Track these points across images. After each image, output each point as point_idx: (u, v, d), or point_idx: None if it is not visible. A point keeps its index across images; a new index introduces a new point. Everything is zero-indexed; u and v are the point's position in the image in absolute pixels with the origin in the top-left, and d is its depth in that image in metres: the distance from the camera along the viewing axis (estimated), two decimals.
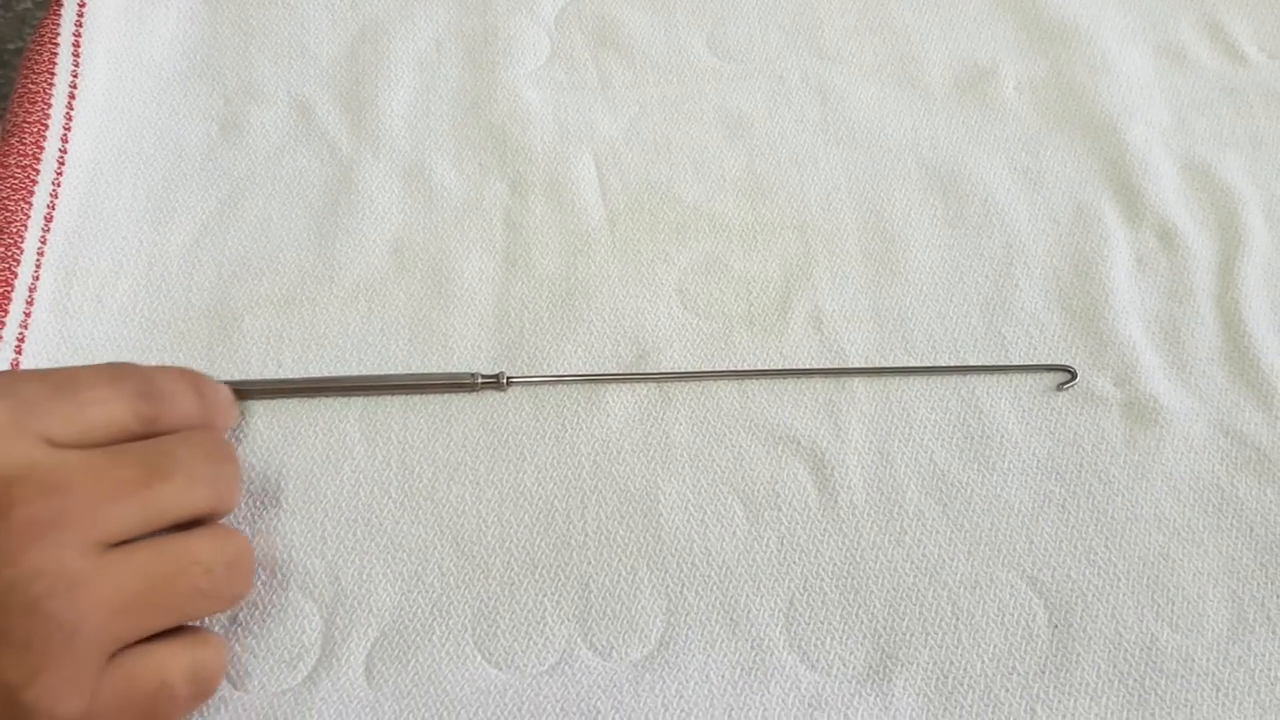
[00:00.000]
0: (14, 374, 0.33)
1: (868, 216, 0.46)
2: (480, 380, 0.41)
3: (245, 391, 0.41)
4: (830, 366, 0.43)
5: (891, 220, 0.46)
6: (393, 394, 0.42)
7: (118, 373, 0.35)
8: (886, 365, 0.43)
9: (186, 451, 0.34)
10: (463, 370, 0.42)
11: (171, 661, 0.33)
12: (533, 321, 0.44)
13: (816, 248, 0.45)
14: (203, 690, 0.34)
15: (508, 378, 0.41)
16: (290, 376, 0.42)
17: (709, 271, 0.45)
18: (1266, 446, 0.41)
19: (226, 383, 0.39)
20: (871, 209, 0.46)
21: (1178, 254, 0.45)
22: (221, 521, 0.36)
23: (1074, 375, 0.42)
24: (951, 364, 0.43)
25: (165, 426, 0.35)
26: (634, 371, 0.42)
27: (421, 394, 0.42)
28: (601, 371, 0.42)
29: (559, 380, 0.42)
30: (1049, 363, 0.43)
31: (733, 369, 0.42)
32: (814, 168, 0.47)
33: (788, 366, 0.43)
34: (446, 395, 0.42)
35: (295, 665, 0.37)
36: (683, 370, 0.42)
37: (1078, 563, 0.39)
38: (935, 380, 0.42)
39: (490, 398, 0.42)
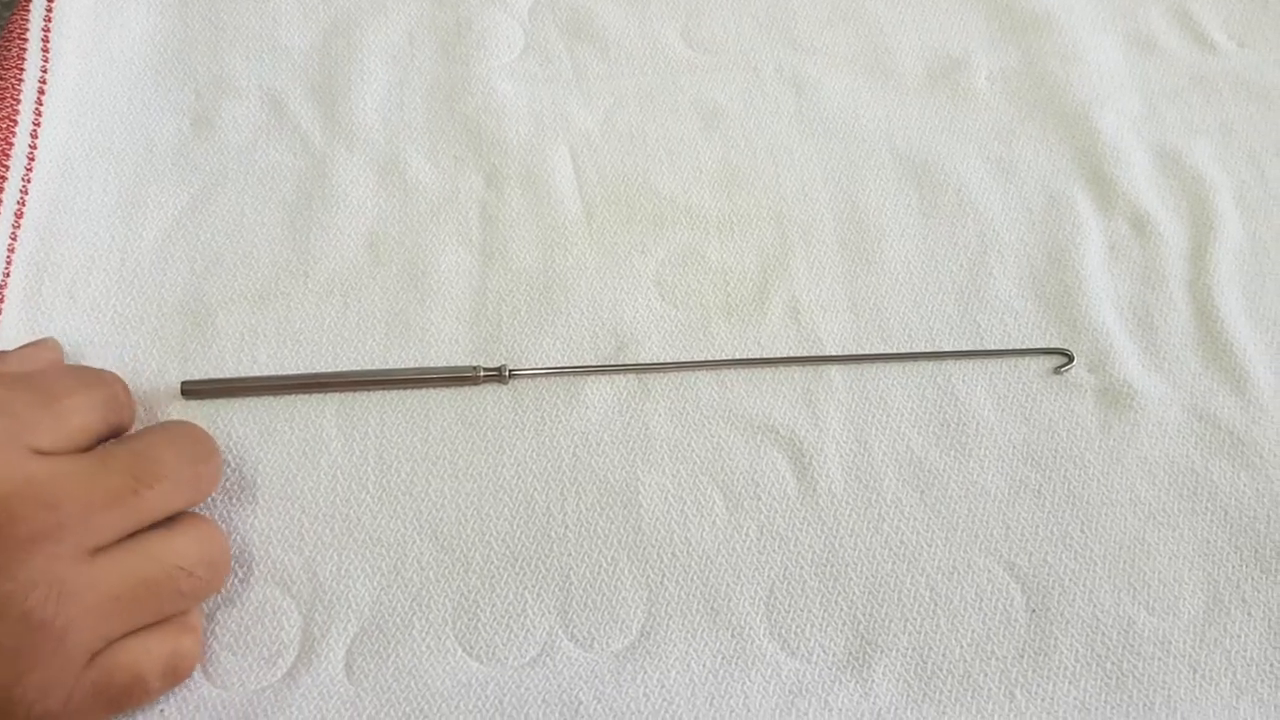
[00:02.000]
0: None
1: (843, 207, 0.46)
2: (483, 373, 0.41)
3: (236, 388, 0.41)
4: (819, 355, 0.43)
5: (866, 210, 0.46)
6: (394, 389, 0.41)
7: (87, 378, 0.36)
8: (876, 353, 0.43)
9: (172, 455, 0.35)
10: (464, 365, 0.42)
11: (149, 655, 0.33)
12: (510, 314, 0.43)
13: (793, 238, 0.45)
14: (177, 678, 0.35)
15: (510, 370, 0.41)
16: (270, 373, 0.42)
17: (686, 263, 0.45)
18: (1240, 430, 0.41)
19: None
20: (847, 199, 0.46)
21: (1150, 241, 0.45)
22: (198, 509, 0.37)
23: (1070, 358, 0.42)
24: (928, 349, 0.43)
25: (127, 432, 0.37)
26: (622, 363, 0.42)
27: (423, 389, 0.41)
28: (582, 361, 0.42)
29: (561, 371, 0.42)
30: (1040, 347, 0.43)
31: (716, 359, 0.43)
32: (789, 158, 0.47)
33: (772, 355, 0.43)
34: (424, 390, 0.42)
35: (274, 662, 0.37)
36: (665, 361, 0.42)
37: (1054, 548, 0.39)
38: (912, 368, 0.43)
39: (466, 391, 0.42)
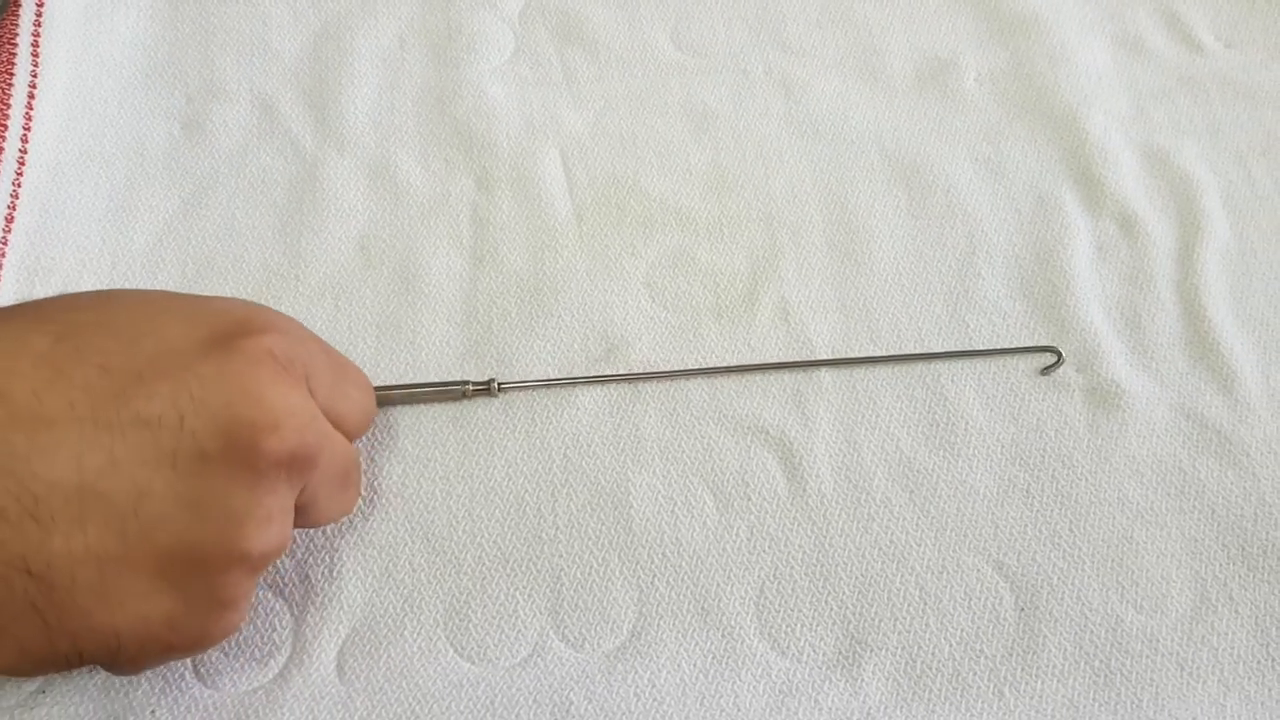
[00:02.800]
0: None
1: (832, 208, 0.46)
2: (471, 388, 0.41)
3: None
4: (808, 360, 0.43)
5: (856, 211, 0.46)
6: (382, 407, 0.41)
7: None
8: (865, 356, 0.43)
9: None
10: (453, 380, 0.42)
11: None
12: (501, 317, 0.44)
13: (782, 240, 0.45)
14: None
15: (499, 384, 0.41)
16: None
17: (676, 265, 0.45)
18: (1227, 429, 0.41)
19: None
20: (836, 201, 0.46)
21: (1138, 241, 0.45)
22: None
23: (1060, 357, 0.43)
24: (917, 350, 0.43)
25: None
26: (610, 374, 0.42)
27: (411, 405, 0.41)
28: (574, 369, 0.42)
29: (550, 384, 0.42)
30: (1028, 346, 0.43)
31: (708, 362, 0.43)
32: (779, 160, 0.47)
33: (761, 359, 0.43)
34: (416, 381, 0.42)
35: (266, 663, 0.37)
36: (657, 366, 0.42)
37: (1043, 546, 0.39)
38: (902, 369, 0.43)
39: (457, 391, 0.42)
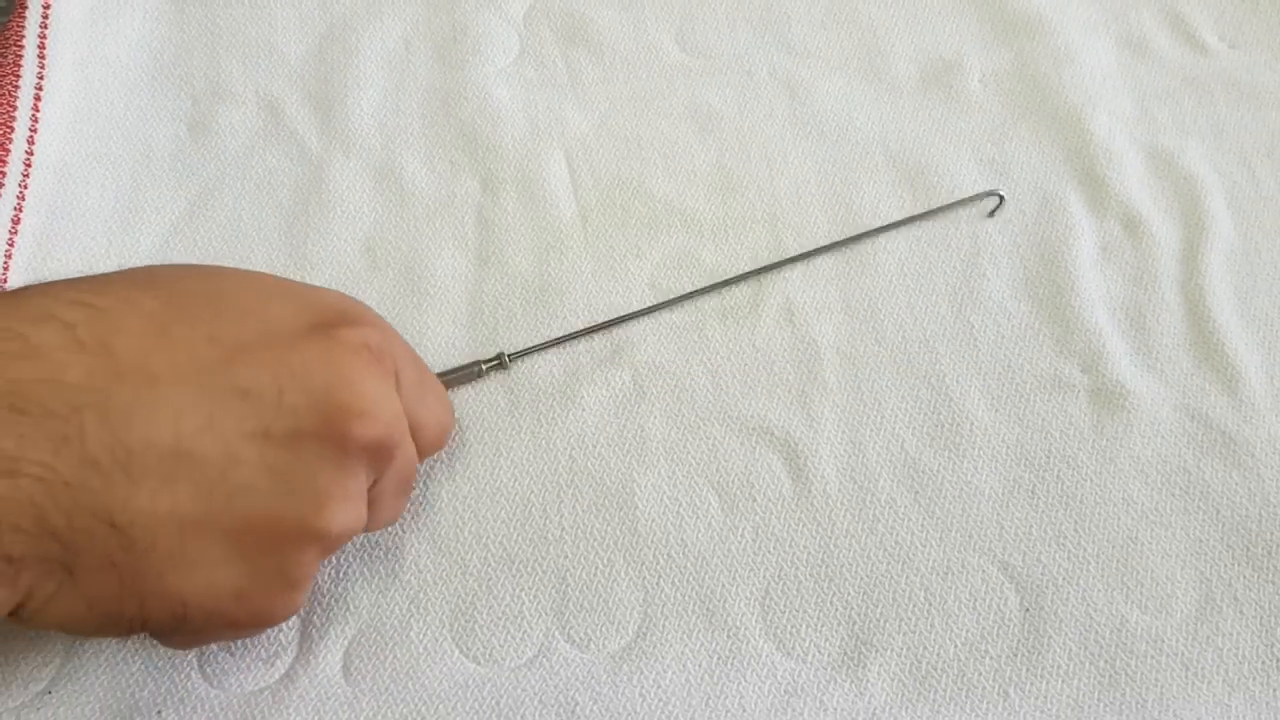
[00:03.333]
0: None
1: (837, 209, 0.46)
2: (483, 367, 0.42)
3: None
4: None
5: (860, 212, 0.46)
6: None
7: None
8: (861, 350, 0.43)
9: None
10: (466, 364, 0.42)
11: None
12: (506, 318, 0.44)
13: (787, 240, 0.46)
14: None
15: (509, 355, 0.42)
16: None
17: (681, 265, 0.45)
18: (1232, 430, 0.41)
19: None
20: (840, 201, 0.46)
21: (1142, 242, 0.45)
22: None
23: (1002, 199, 0.44)
24: (923, 355, 0.43)
25: None
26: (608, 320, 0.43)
27: None
28: (579, 369, 0.43)
29: (560, 342, 0.43)
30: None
31: (714, 366, 0.43)
32: (783, 161, 0.48)
33: (766, 359, 0.43)
34: None
35: (272, 663, 0.37)
36: (662, 362, 0.43)
37: (1048, 547, 0.39)
38: (906, 370, 0.43)
39: (464, 394, 0.42)
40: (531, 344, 0.43)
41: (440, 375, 0.41)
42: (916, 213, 0.45)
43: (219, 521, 0.29)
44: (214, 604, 0.30)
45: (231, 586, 0.30)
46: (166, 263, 0.34)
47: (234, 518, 0.29)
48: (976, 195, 0.44)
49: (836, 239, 0.45)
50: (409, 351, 0.36)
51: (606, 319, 0.43)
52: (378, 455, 0.32)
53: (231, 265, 0.44)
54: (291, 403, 0.30)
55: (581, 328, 0.43)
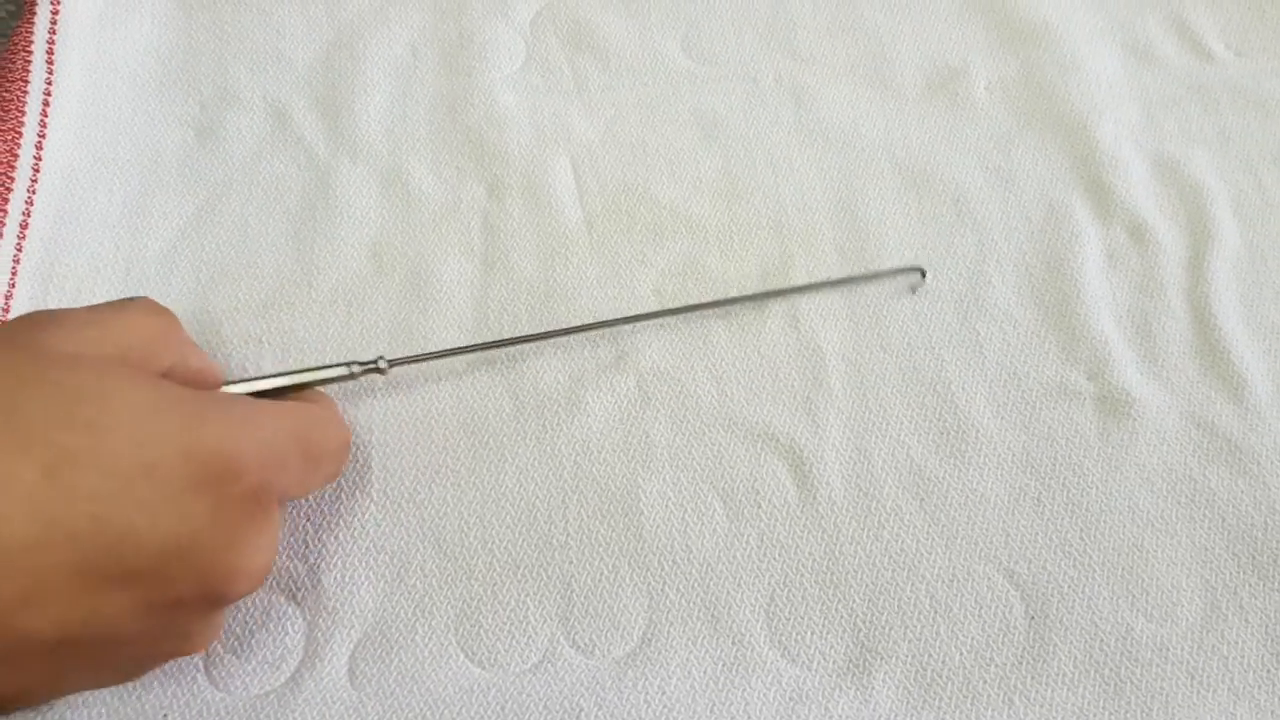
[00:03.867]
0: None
1: (842, 216, 0.46)
2: (356, 369, 0.39)
3: None
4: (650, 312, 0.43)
5: (866, 219, 0.46)
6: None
7: None
8: (866, 358, 0.43)
9: None
10: (338, 362, 0.40)
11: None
12: (511, 324, 0.44)
13: (793, 247, 0.46)
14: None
15: (387, 360, 0.40)
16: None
17: (686, 272, 0.45)
18: (1238, 438, 0.41)
19: None
20: (846, 208, 0.47)
21: (1148, 249, 0.45)
22: None
23: (923, 274, 0.44)
24: (928, 362, 0.43)
25: None
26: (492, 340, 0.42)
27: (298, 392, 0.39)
28: (584, 375, 0.43)
29: (443, 355, 0.41)
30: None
31: (719, 373, 0.43)
32: (789, 168, 0.48)
33: (771, 366, 0.43)
34: (428, 394, 0.42)
35: (278, 667, 0.37)
36: (666, 368, 0.43)
37: (1053, 555, 0.39)
38: (911, 377, 0.43)
39: (468, 398, 0.42)
40: (536, 353, 0.43)
41: (312, 381, 0.39)
42: (851, 274, 0.45)
43: (93, 663, 0.31)
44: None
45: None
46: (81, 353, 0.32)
47: (116, 675, 0.33)
48: (899, 269, 0.45)
49: (842, 245, 0.45)
50: (297, 446, 0.35)
51: (610, 320, 0.43)
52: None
53: (240, 270, 0.44)
54: (174, 575, 0.30)
55: (585, 337, 0.43)
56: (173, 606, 0.31)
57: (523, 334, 0.43)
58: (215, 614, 0.33)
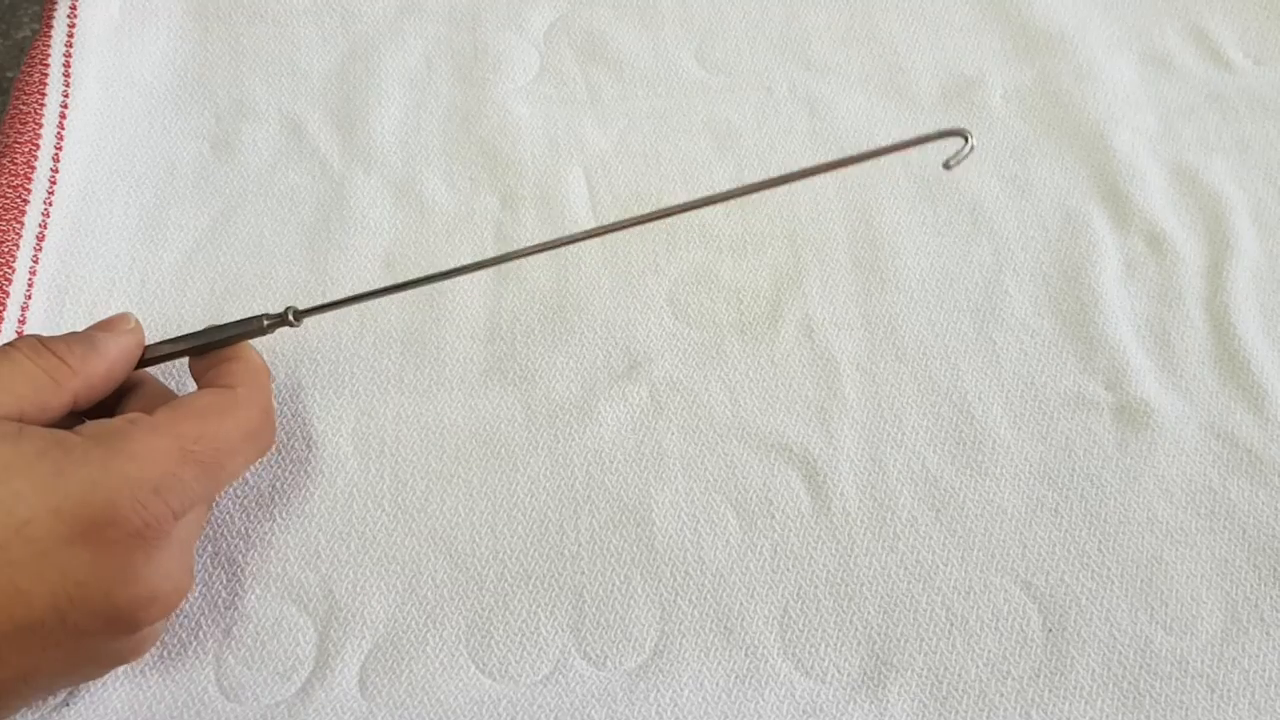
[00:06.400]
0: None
1: (857, 225, 0.46)
2: (266, 322, 0.38)
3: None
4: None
5: (881, 229, 0.46)
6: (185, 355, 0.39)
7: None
8: (880, 362, 0.43)
9: None
10: (251, 315, 0.39)
11: None
12: (524, 334, 0.44)
13: (806, 257, 0.45)
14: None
15: (295, 312, 0.39)
16: (281, 391, 0.42)
17: (699, 281, 0.45)
18: (1258, 448, 0.41)
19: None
20: (861, 217, 0.46)
21: (1166, 259, 0.45)
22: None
23: (967, 140, 0.37)
24: (944, 371, 0.43)
25: None
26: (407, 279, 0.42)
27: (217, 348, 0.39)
28: (596, 384, 0.42)
29: (349, 302, 0.40)
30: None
31: (732, 382, 0.43)
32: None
33: (785, 375, 0.43)
34: (440, 398, 0.42)
35: (289, 677, 0.37)
36: (676, 379, 0.42)
37: (1071, 567, 0.39)
38: (927, 386, 0.42)
39: (481, 407, 0.42)
40: (549, 362, 0.43)
41: (222, 339, 0.38)
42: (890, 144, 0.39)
43: (25, 692, 0.33)
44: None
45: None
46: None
47: (42, 685, 0.34)
48: (939, 133, 0.38)
49: (857, 254, 0.45)
50: (174, 440, 0.34)
51: (624, 334, 0.43)
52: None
53: (255, 281, 0.44)
54: (75, 619, 0.31)
55: (597, 346, 0.43)
56: (87, 640, 0.32)
57: (535, 344, 0.43)
58: (139, 633, 0.33)
